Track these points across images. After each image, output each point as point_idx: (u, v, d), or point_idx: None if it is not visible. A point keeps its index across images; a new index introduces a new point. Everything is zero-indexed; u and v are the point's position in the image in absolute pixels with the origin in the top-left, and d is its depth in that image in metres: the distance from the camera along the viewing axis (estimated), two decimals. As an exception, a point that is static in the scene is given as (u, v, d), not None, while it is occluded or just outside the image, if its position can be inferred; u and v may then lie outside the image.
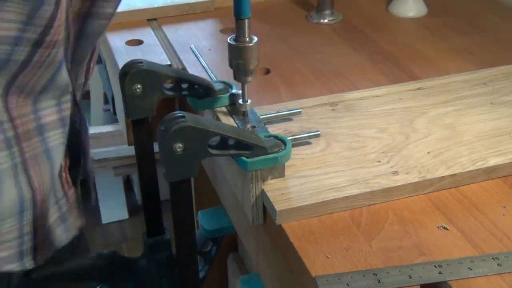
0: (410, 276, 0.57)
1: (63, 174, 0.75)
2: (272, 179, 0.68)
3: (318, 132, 0.76)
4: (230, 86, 0.76)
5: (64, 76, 0.70)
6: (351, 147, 0.74)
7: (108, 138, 1.96)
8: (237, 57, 0.71)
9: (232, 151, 0.64)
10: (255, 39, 0.70)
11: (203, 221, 0.84)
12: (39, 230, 0.72)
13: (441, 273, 0.58)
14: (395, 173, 0.69)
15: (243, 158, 0.64)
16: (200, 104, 0.75)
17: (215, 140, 0.62)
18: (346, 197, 0.66)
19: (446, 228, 0.64)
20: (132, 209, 2.31)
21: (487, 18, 1.15)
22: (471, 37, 1.06)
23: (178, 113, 0.60)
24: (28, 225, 0.70)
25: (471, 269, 0.58)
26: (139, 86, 0.69)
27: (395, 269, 0.58)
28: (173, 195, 0.62)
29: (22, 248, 0.71)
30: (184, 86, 0.74)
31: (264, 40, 1.07)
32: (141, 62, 0.69)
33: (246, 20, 0.69)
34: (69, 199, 0.76)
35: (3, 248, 0.69)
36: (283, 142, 0.67)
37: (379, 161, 0.72)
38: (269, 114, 0.80)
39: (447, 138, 0.76)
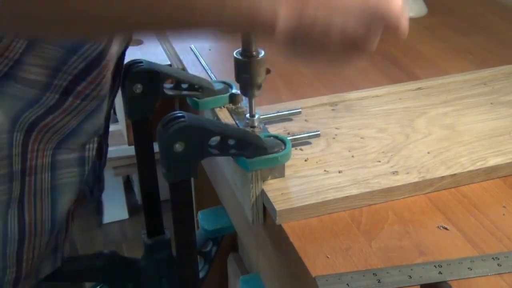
0: (410, 276, 0.57)
1: (72, 208, 0.72)
2: (272, 179, 0.68)
3: (318, 132, 0.76)
4: (230, 86, 0.76)
5: (97, 123, 0.68)
6: (351, 147, 0.74)
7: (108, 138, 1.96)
8: (244, 71, 0.68)
9: (232, 151, 0.64)
10: (262, 52, 0.68)
11: (203, 221, 0.84)
12: (25, 262, 0.68)
13: (441, 273, 0.58)
14: (395, 173, 0.69)
15: (243, 158, 0.64)
16: (200, 104, 0.75)
17: (215, 140, 0.62)
18: (346, 197, 0.66)
19: (446, 228, 0.64)
20: (132, 209, 2.31)
21: (487, 18, 1.15)
22: (471, 37, 1.06)
23: (178, 113, 0.60)
24: (12, 258, 0.67)
25: (471, 269, 0.58)
26: (139, 86, 0.69)
27: (395, 269, 0.58)
28: (173, 195, 0.62)
29: (3, 280, 0.67)
30: (184, 86, 0.74)
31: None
32: (141, 62, 0.69)
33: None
34: (68, 233, 0.73)
35: None
36: (283, 142, 0.67)
37: (379, 161, 0.72)
38: (269, 114, 0.80)
39: (447, 138, 0.76)
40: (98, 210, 0.84)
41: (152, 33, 0.64)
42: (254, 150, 0.64)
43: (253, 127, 0.71)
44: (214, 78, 0.91)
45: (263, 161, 0.65)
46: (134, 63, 0.70)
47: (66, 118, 0.65)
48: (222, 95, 0.75)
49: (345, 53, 0.55)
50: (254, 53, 0.67)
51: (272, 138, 0.68)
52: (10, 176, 0.64)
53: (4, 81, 0.61)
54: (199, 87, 0.74)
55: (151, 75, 0.70)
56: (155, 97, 0.71)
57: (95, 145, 0.71)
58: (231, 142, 0.63)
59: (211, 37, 0.69)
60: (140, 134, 0.73)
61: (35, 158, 0.66)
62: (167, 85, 0.73)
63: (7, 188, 0.64)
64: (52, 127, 0.65)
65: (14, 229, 0.66)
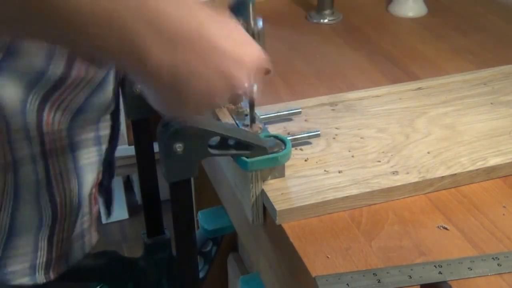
0: (410, 276, 0.57)
1: (93, 190, 0.74)
2: (272, 179, 0.68)
3: (318, 132, 0.76)
4: (283, 141, 0.68)
5: (105, 96, 0.69)
6: (351, 147, 0.74)
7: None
8: None
9: (232, 151, 0.64)
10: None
11: (203, 221, 0.83)
12: (56, 245, 0.71)
13: (441, 273, 0.58)
14: (395, 173, 0.69)
15: (243, 158, 0.64)
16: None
17: (215, 140, 0.62)
18: (346, 197, 0.66)
19: (446, 228, 0.64)
20: (132, 209, 2.31)
21: (487, 18, 1.15)
22: (471, 37, 1.06)
23: (172, 116, 0.60)
24: (44, 240, 0.70)
25: (471, 269, 0.58)
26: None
27: (395, 269, 0.58)
28: (173, 195, 0.62)
29: (35, 263, 0.70)
30: (232, 143, 0.66)
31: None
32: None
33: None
34: (92, 216, 0.75)
35: (16, 262, 0.69)
36: (283, 142, 0.67)
37: (379, 161, 0.72)
38: (269, 114, 0.80)
39: (447, 138, 0.76)
40: (107, 200, 0.85)
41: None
42: (254, 150, 0.64)
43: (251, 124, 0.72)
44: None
45: (263, 161, 0.65)
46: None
47: (74, 92, 0.66)
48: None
49: (200, 103, 0.56)
50: None
51: (272, 138, 0.68)
52: (32, 158, 0.66)
53: (8, 56, 0.61)
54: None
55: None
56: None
57: (109, 123, 0.72)
58: (231, 142, 0.63)
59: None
60: (140, 134, 0.73)
61: (53, 141, 0.67)
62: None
63: (32, 169, 0.66)
64: (61, 102, 0.66)
65: (48, 211, 0.68)
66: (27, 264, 0.70)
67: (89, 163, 0.71)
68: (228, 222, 0.82)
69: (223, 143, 0.63)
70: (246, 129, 0.71)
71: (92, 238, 0.76)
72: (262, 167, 0.65)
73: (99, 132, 0.71)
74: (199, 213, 0.83)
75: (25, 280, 0.70)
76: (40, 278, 0.71)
